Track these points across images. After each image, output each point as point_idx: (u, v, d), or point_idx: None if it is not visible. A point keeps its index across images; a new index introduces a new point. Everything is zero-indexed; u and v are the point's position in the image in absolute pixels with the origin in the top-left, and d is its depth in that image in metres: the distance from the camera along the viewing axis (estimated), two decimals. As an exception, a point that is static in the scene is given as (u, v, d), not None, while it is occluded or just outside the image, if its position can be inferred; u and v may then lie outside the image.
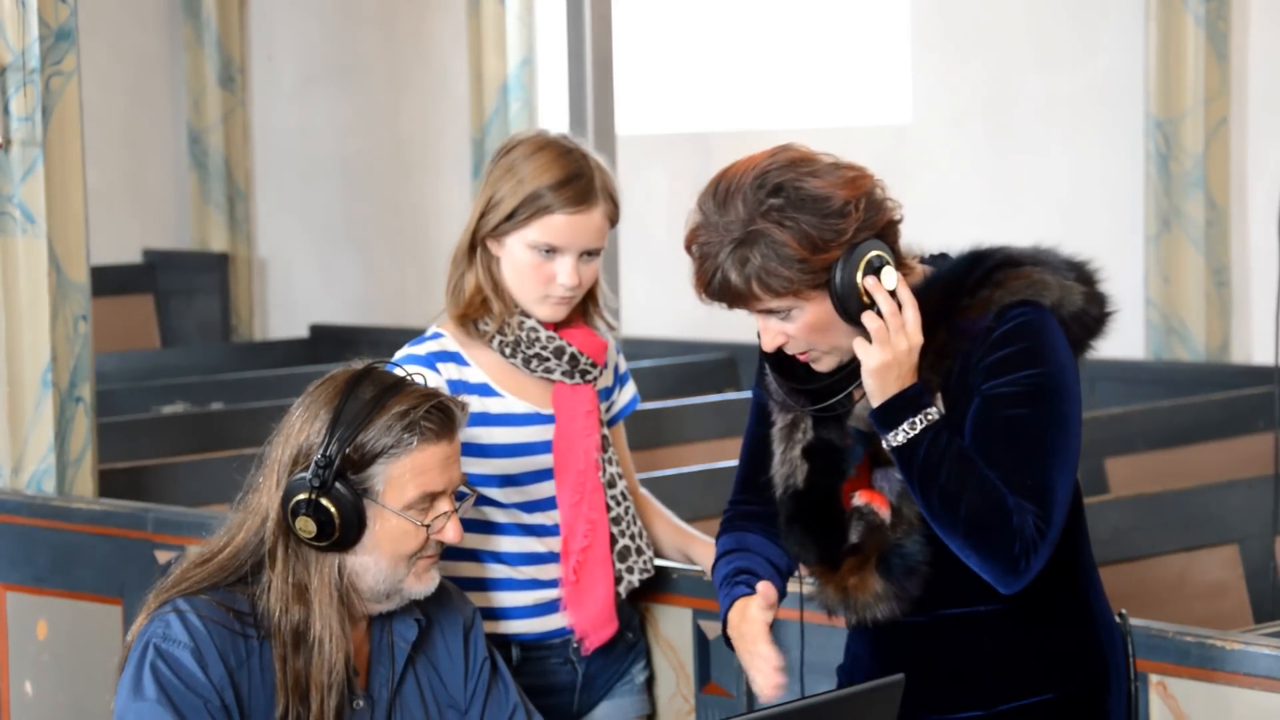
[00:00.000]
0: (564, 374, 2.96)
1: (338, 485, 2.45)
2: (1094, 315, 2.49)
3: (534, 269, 2.91)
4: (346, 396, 2.47)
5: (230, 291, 8.05)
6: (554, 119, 6.77)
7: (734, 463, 2.72)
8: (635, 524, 3.02)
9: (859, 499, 2.50)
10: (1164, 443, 5.19)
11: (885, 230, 2.43)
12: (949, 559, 2.45)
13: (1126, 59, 6.13)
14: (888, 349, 2.39)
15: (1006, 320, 2.42)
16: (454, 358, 2.94)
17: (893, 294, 2.40)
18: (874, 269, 2.39)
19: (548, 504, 2.97)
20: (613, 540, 2.98)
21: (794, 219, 2.38)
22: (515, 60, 7.11)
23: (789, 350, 2.48)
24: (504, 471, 2.94)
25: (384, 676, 2.56)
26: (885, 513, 2.47)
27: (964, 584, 2.46)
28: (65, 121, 4.05)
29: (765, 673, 2.49)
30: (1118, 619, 2.63)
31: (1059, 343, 2.44)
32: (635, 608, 3.13)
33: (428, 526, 2.50)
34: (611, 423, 3.09)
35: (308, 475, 2.45)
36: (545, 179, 2.89)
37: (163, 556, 3.76)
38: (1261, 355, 5.84)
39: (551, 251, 2.90)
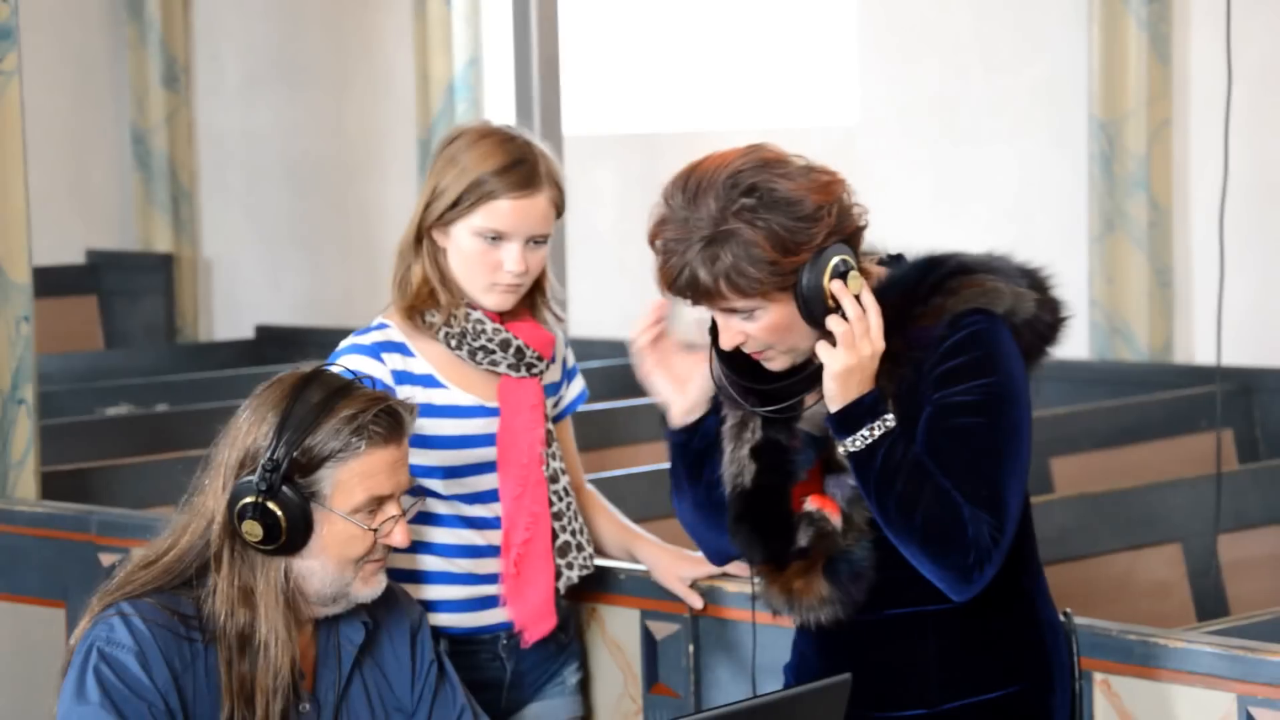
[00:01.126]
0: (510, 367, 2.95)
1: (285, 489, 2.43)
2: (1047, 322, 2.50)
3: (480, 256, 2.90)
4: (294, 399, 2.46)
5: (175, 292, 7.99)
6: (501, 119, 6.74)
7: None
8: (577, 520, 3.02)
9: (811, 504, 2.50)
10: (1108, 442, 5.21)
11: (851, 236, 2.44)
12: (897, 563, 2.45)
13: (1070, 60, 6.16)
14: (852, 353, 2.40)
15: (959, 329, 2.43)
16: (399, 348, 2.94)
17: (857, 299, 2.40)
18: (840, 273, 2.40)
19: (489, 496, 2.96)
20: (553, 535, 2.98)
21: (766, 220, 2.38)
22: (461, 60, 7.09)
23: (746, 349, 2.48)
24: (447, 463, 2.93)
25: (330, 680, 2.55)
26: (837, 519, 2.48)
27: (911, 586, 2.46)
28: (6, 121, 4.01)
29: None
30: (1062, 618, 2.64)
31: (1010, 351, 2.45)
32: (581, 607, 3.12)
33: (375, 530, 2.49)
34: (559, 417, 3.08)
35: (254, 478, 2.44)
36: (488, 165, 2.89)
37: (107, 559, 3.73)
38: (1204, 355, 5.88)
39: (497, 238, 2.90)
